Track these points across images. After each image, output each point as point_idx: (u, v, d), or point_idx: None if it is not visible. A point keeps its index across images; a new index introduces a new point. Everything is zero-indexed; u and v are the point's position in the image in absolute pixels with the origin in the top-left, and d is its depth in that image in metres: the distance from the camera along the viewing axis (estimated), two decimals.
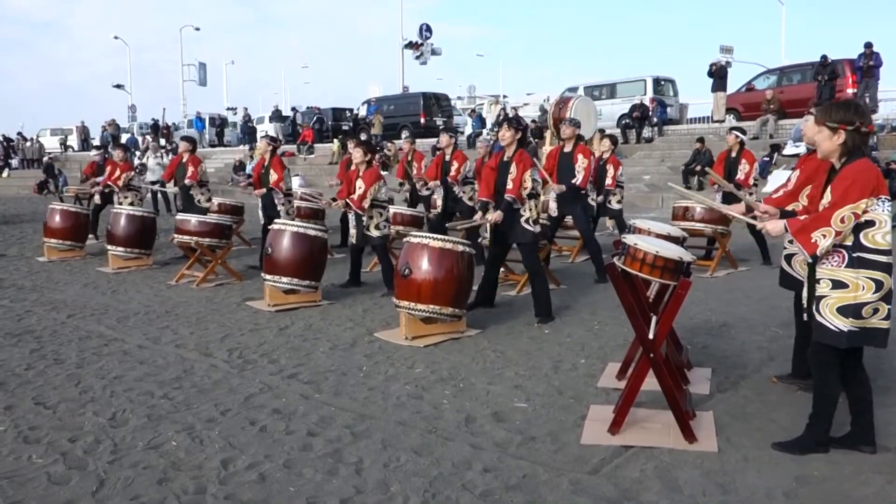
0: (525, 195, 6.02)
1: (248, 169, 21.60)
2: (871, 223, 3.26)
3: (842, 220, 3.24)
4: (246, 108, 34.02)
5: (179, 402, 4.37)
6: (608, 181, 9.42)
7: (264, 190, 8.71)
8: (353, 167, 7.62)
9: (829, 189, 3.36)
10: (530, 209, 6.09)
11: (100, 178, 11.94)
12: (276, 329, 6.17)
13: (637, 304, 3.88)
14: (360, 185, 7.26)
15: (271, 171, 8.65)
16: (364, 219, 7.27)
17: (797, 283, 4.19)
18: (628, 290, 3.79)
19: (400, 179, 11.19)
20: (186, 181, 9.58)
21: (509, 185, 6.00)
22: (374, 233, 7.30)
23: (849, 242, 3.28)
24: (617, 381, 4.55)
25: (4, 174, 31.62)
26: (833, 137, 3.33)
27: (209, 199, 9.93)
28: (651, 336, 3.69)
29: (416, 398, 4.42)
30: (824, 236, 3.26)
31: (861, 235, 3.26)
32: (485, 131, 21.04)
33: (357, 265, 7.87)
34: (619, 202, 9.81)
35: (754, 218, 4.05)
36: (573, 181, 7.80)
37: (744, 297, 7.13)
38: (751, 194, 8.54)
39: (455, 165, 9.20)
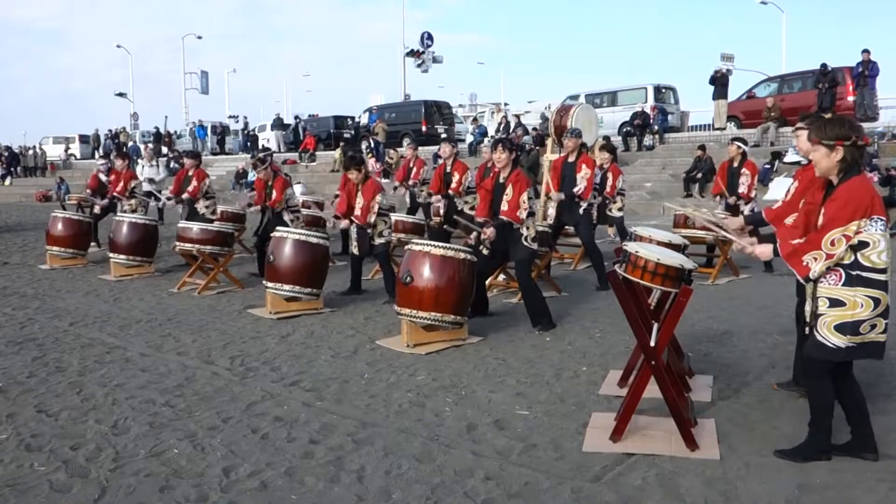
0: (523, 217, 6.02)
1: (251, 177, 21.66)
2: (864, 244, 3.24)
3: (832, 243, 3.24)
4: (245, 117, 34.13)
5: (181, 410, 4.37)
6: (607, 189, 9.42)
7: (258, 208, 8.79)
8: (350, 182, 7.65)
9: (823, 209, 3.35)
10: (529, 227, 6.11)
11: (103, 177, 12.01)
12: (278, 337, 6.18)
13: (638, 311, 3.88)
14: (360, 200, 7.32)
15: (273, 189, 8.68)
16: (370, 231, 7.33)
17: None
18: (630, 298, 3.79)
19: (397, 183, 11.29)
20: (185, 196, 9.63)
21: (504, 207, 6.02)
22: (379, 241, 7.37)
23: (847, 261, 3.27)
24: (618, 389, 4.54)
25: (7, 182, 31.73)
26: (831, 155, 3.31)
27: (214, 212, 9.95)
28: (652, 343, 3.70)
29: (417, 406, 4.42)
30: (815, 259, 3.28)
31: (858, 255, 3.26)
32: (486, 139, 21.08)
33: (357, 273, 7.89)
34: (619, 209, 9.82)
35: (752, 233, 4.06)
36: (574, 190, 7.83)
37: (745, 304, 7.13)
38: (748, 205, 8.59)
39: (456, 177, 9.24)
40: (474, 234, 6.35)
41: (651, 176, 18.30)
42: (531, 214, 6.15)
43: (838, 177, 3.36)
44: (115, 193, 10.97)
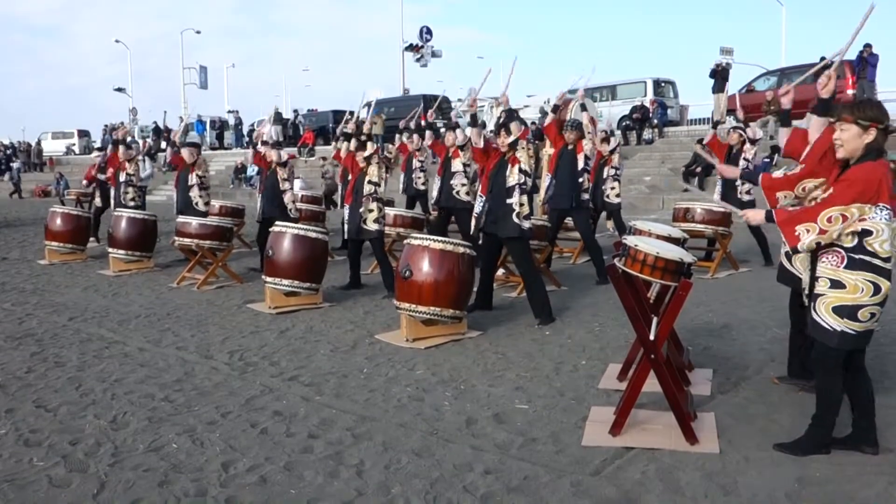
0: (513, 147, 6.13)
1: (250, 172, 21.64)
2: (868, 232, 3.22)
3: (828, 220, 3.21)
4: (237, 111, 34.01)
5: (180, 405, 4.36)
6: (606, 154, 9.49)
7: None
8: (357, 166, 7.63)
9: (832, 187, 3.32)
10: (522, 203, 6.12)
11: (102, 176, 11.92)
12: (277, 331, 6.17)
13: (638, 305, 3.87)
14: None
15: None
16: (362, 210, 7.29)
17: (794, 280, 4.18)
18: (629, 292, 3.78)
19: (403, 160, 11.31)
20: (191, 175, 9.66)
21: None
22: (372, 226, 7.32)
23: (849, 244, 3.25)
24: (618, 383, 4.54)
25: (5, 177, 31.66)
26: (863, 136, 3.26)
27: (207, 203, 9.91)
28: (652, 337, 3.69)
29: (417, 400, 4.42)
30: (808, 231, 3.26)
31: (863, 241, 3.24)
32: (486, 131, 21.04)
33: (356, 267, 7.88)
34: (617, 195, 9.78)
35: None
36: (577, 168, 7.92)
37: (745, 298, 7.12)
38: (748, 192, 8.61)
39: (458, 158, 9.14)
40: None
41: (650, 170, 18.28)
42: (524, 192, 6.17)
43: (857, 159, 3.29)
44: (112, 170, 10.88)
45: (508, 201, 6.11)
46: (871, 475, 3.28)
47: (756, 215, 3.61)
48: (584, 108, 8.52)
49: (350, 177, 7.79)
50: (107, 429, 3.99)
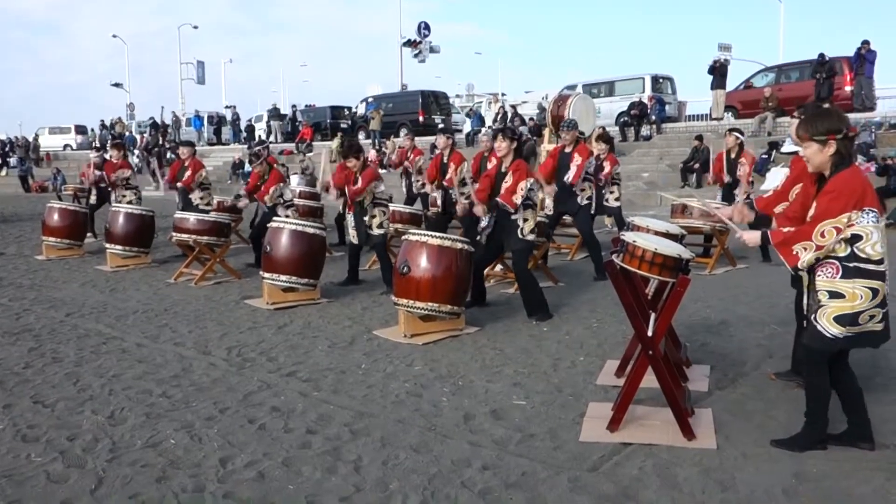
0: (517, 202, 6.01)
1: (248, 167, 21.61)
2: (858, 237, 3.24)
3: (822, 235, 3.25)
4: (234, 107, 33.98)
5: (178, 401, 4.36)
6: (601, 175, 9.38)
7: (248, 202, 9.08)
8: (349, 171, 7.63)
9: (815, 201, 3.36)
10: (527, 219, 6.10)
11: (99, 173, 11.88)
12: (275, 327, 6.17)
13: (636, 301, 3.88)
14: (358, 181, 7.30)
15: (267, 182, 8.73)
16: (366, 218, 7.30)
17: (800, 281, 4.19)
18: (627, 288, 3.79)
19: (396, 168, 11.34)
20: (179, 185, 9.66)
21: (502, 191, 6.05)
22: (377, 231, 7.34)
23: (843, 254, 3.27)
24: (616, 379, 4.55)
25: (3, 172, 31.64)
26: (824, 150, 3.31)
27: (209, 203, 9.92)
28: (650, 333, 3.69)
29: (414, 396, 4.42)
30: (805, 249, 3.29)
31: (854, 248, 3.26)
32: (484, 129, 21.04)
33: (355, 264, 7.88)
34: (616, 199, 9.78)
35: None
36: (565, 178, 7.86)
37: (742, 294, 7.13)
38: (747, 197, 8.57)
39: (452, 167, 9.18)
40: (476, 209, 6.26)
41: (648, 166, 18.29)
42: (530, 207, 6.13)
43: (830, 170, 3.35)
44: (109, 175, 10.87)
45: (513, 217, 6.08)
46: (868, 471, 3.29)
47: (753, 237, 3.63)
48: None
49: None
50: (104, 424, 3.99)
